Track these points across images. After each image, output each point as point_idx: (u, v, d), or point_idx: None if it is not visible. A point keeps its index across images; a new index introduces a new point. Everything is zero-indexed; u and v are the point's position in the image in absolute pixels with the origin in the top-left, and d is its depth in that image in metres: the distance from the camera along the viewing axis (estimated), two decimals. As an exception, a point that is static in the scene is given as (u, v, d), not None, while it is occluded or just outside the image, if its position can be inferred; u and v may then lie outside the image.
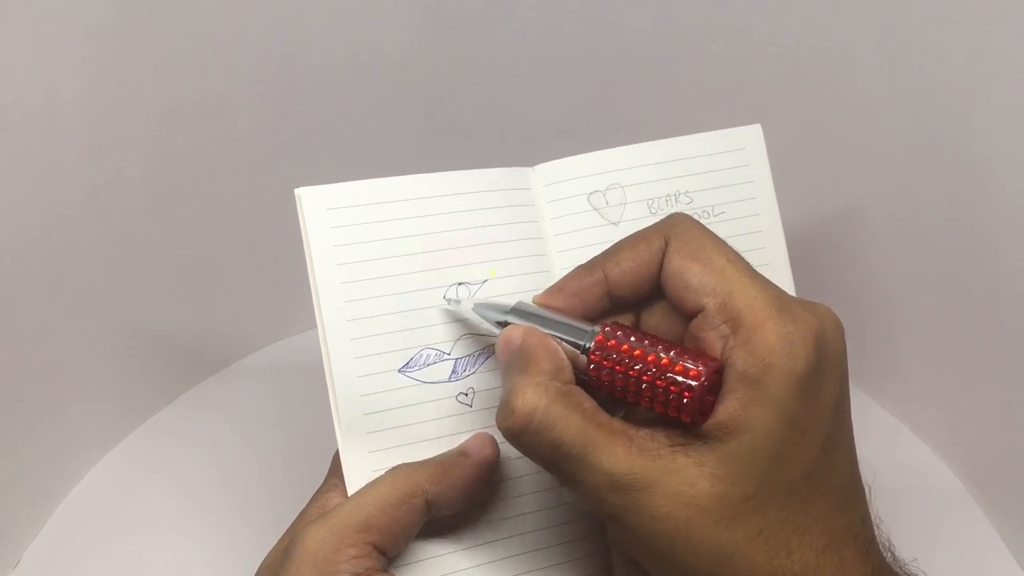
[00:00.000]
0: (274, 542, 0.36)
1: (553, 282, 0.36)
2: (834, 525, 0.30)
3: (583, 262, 0.35)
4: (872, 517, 0.32)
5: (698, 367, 0.29)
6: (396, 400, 0.36)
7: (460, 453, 0.35)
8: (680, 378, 0.29)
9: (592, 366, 0.32)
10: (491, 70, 0.58)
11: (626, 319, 0.34)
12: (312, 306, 0.36)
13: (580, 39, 0.57)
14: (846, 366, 0.31)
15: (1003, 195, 0.45)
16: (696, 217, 0.33)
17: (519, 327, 0.33)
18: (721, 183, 0.39)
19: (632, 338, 0.31)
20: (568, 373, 0.32)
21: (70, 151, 0.49)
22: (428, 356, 0.36)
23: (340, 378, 0.35)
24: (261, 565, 0.36)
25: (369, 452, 0.36)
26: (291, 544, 0.33)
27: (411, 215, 0.36)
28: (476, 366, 0.37)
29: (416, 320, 0.36)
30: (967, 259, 0.48)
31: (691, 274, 0.31)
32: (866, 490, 0.32)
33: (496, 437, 0.36)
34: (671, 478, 0.29)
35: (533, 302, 0.35)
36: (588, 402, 0.31)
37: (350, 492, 0.35)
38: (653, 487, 0.29)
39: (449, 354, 0.37)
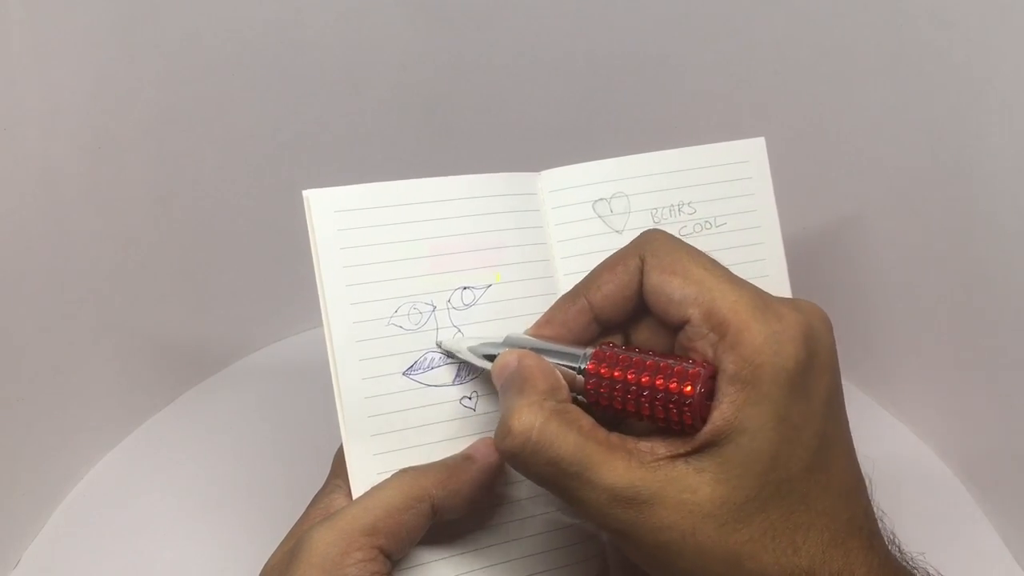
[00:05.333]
0: (274, 541, 0.36)
1: (556, 287, 0.37)
2: (837, 519, 0.30)
3: (576, 282, 0.35)
4: (875, 510, 0.32)
5: (696, 368, 0.30)
6: (400, 403, 0.36)
7: (465, 458, 0.36)
8: (680, 380, 0.30)
9: (592, 379, 0.32)
10: (491, 70, 0.58)
11: (615, 339, 0.35)
12: (313, 306, 0.36)
13: (580, 39, 0.57)
14: (837, 361, 0.32)
15: (1002, 196, 0.45)
16: (698, 228, 0.34)
17: (514, 352, 0.34)
18: (723, 195, 0.39)
19: (628, 351, 0.32)
20: (564, 392, 0.32)
21: (70, 151, 0.49)
22: (432, 359, 0.36)
23: (345, 380, 0.35)
24: (265, 566, 0.35)
25: (374, 455, 0.36)
26: (298, 546, 0.33)
27: (418, 219, 0.36)
28: (480, 370, 0.37)
29: (421, 323, 0.36)
30: (966, 260, 0.49)
31: (672, 287, 0.32)
32: (867, 483, 0.33)
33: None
34: (672, 487, 0.29)
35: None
36: (585, 419, 0.31)
37: (355, 494, 0.35)
38: (656, 499, 0.29)
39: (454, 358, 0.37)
